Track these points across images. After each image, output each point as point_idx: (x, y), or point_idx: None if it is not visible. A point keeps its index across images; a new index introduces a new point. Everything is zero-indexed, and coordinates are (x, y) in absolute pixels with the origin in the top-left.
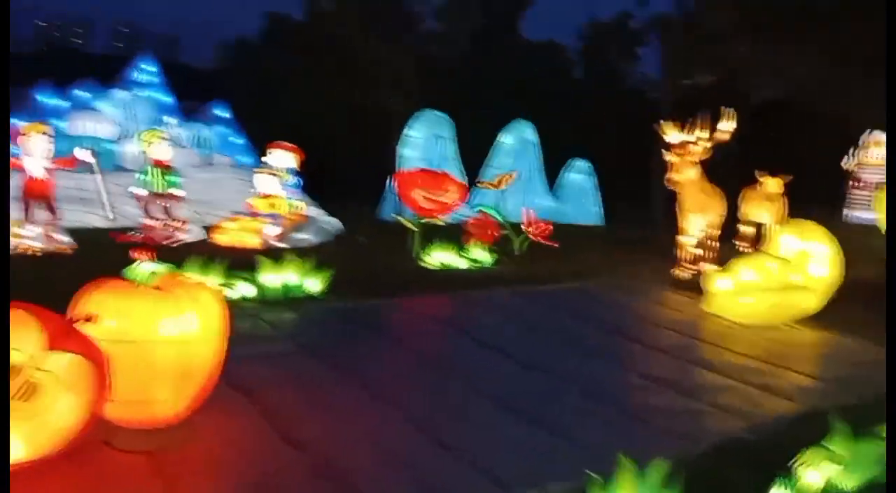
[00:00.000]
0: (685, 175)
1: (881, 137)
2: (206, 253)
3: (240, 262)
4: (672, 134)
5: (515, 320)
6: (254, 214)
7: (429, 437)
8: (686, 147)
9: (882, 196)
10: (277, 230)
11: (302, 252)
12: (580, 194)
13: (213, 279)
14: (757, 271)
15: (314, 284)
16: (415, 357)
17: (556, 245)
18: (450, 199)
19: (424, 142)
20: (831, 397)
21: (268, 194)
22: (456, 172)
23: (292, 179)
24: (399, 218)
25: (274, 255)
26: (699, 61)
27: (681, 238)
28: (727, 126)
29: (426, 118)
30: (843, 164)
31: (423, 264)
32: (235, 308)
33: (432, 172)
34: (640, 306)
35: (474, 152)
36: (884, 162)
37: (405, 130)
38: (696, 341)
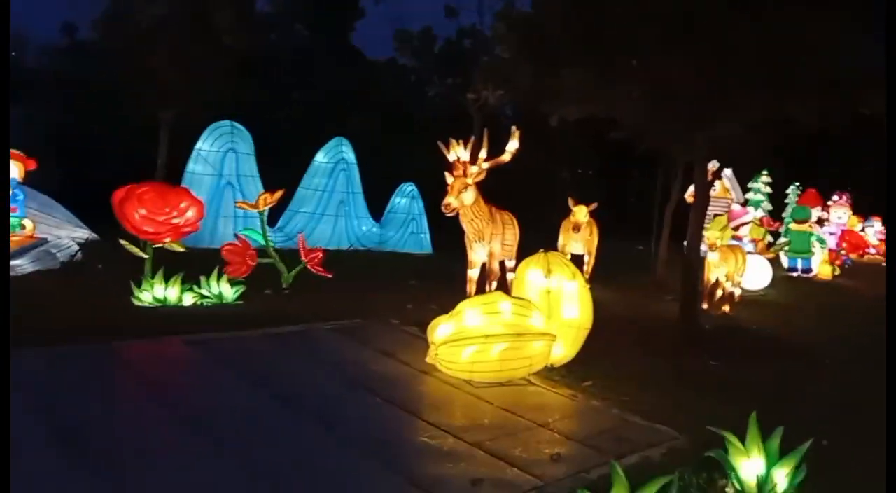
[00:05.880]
0: (460, 198)
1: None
2: None
3: None
4: (452, 153)
5: (187, 377)
6: None
7: None
8: (464, 167)
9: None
10: None
11: None
12: (406, 220)
13: None
14: (484, 312)
15: None
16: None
17: (330, 276)
18: (184, 220)
19: (217, 157)
20: None
21: None
22: (254, 190)
23: (11, 193)
24: (124, 243)
25: None
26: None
27: (469, 271)
28: (512, 146)
29: (220, 130)
30: (686, 196)
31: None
32: None
33: (162, 187)
34: (362, 357)
35: (287, 172)
36: (723, 194)
37: (197, 144)
38: (396, 410)
